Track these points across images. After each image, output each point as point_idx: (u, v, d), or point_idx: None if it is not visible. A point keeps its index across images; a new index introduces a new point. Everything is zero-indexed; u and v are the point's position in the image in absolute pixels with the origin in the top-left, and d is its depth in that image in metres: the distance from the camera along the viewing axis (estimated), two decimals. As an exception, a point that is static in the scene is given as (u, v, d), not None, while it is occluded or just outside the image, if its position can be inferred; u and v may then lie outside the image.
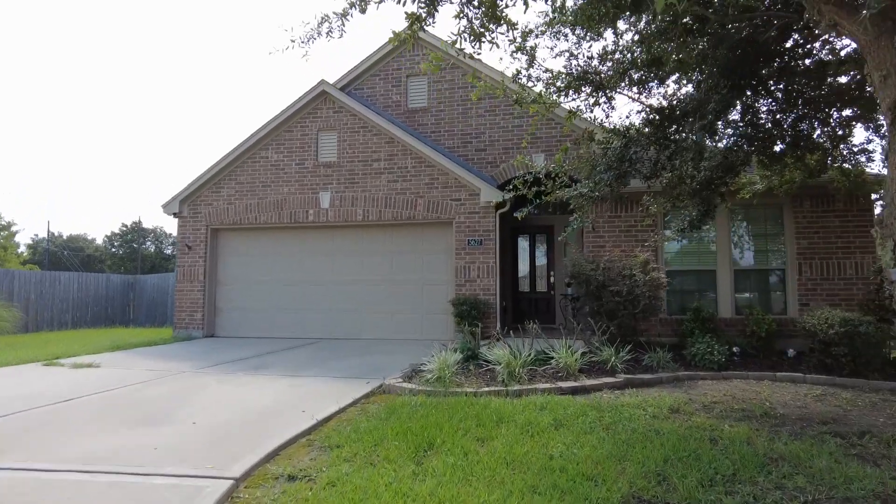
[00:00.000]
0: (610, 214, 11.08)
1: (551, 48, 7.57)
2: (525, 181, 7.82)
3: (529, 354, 7.53)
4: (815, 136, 8.09)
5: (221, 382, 7.24)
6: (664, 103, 6.47)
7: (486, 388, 6.41)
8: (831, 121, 8.00)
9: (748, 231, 10.89)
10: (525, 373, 6.94)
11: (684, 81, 6.80)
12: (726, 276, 10.59)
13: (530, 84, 6.84)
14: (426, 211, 11.74)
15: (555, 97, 6.76)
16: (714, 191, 7.65)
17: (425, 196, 11.78)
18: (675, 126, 5.96)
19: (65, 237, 59.76)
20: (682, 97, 6.34)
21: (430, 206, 11.72)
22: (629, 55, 6.27)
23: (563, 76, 6.58)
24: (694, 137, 5.33)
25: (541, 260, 13.73)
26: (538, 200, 7.34)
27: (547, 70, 6.72)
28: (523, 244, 13.92)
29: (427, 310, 11.86)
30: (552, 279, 13.47)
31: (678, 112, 5.84)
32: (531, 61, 6.67)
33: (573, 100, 6.82)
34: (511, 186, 8.17)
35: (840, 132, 8.14)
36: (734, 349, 8.92)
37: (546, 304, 13.56)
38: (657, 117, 6.18)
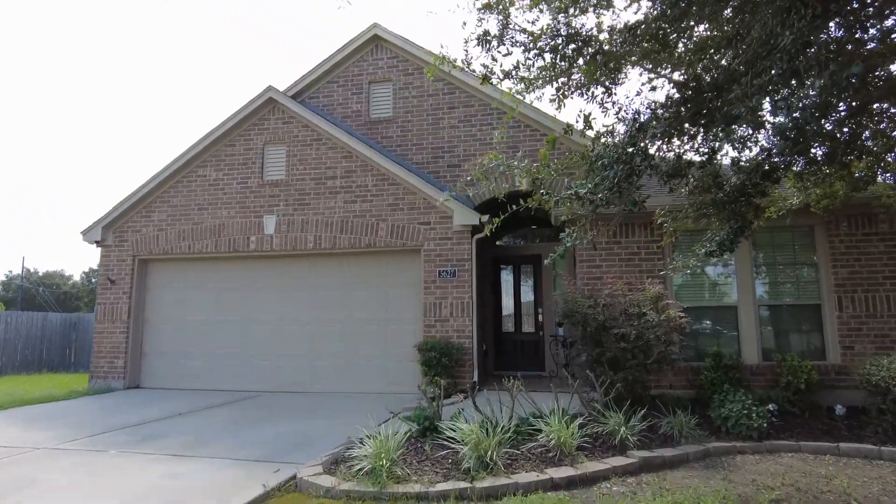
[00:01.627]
0: (608, 240, 9.24)
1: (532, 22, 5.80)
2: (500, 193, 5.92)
3: (509, 425, 5.54)
4: (863, 136, 6.37)
5: (75, 468, 5.15)
6: (695, 73, 4.66)
7: (443, 485, 4.36)
8: (885, 118, 6.29)
9: (773, 259, 9.06)
10: (502, 455, 4.91)
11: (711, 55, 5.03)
12: (750, 314, 8.71)
13: (502, 51, 5.05)
14: (389, 237, 9.84)
15: (535, 71, 4.96)
16: (747, 202, 5.84)
17: (388, 219, 9.90)
18: (711, 98, 4.18)
19: (40, 273, 57.18)
20: (722, 64, 4.55)
21: (395, 232, 9.83)
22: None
23: (547, 35, 4.78)
24: (742, 110, 3.58)
25: (527, 295, 11.84)
26: (516, 207, 5.51)
27: (525, 31, 4.93)
28: (507, 277, 12.04)
29: (391, 355, 9.84)
30: (541, 318, 11.54)
31: (719, 80, 4.07)
32: (505, 24, 4.90)
33: (561, 75, 5.02)
34: (482, 201, 6.28)
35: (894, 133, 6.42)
36: (770, 407, 6.99)
37: (534, 348, 11.59)
38: (688, 92, 4.37)
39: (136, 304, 11.00)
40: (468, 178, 9.88)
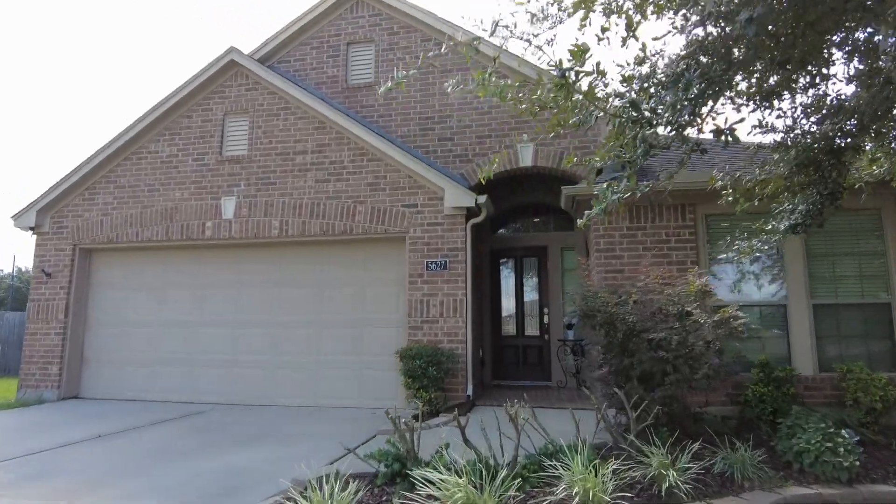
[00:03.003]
0: (630, 226, 7.68)
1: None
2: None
3: (512, 471, 3.98)
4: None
5: None
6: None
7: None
8: None
9: (831, 248, 7.50)
10: (503, 520, 3.33)
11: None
12: (803, 314, 7.16)
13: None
14: (368, 222, 8.27)
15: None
16: (837, 163, 4.29)
17: (367, 201, 8.33)
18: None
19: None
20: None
21: (375, 216, 8.26)
22: None
23: None
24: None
25: (531, 294, 10.29)
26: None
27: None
28: (507, 272, 10.48)
29: (368, 363, 8.25)
30: (547, 319, 9.98)
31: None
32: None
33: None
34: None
35: None
36: (843, 433, 5.43)
37: (538, 354, 10.01)
38: None
39: (77, 300, 9.41)
40: (472, 164, 8.30)
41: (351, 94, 9.35)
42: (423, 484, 3.64)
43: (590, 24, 4.00)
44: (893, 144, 4.64)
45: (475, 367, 7.87)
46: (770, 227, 4.81)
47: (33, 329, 9.38)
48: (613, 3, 3.57)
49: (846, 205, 6.31)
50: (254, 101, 9.16)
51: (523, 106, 3.72)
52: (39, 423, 7.35)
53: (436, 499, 3.47)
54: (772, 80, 3.53)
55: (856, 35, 3.64)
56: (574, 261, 9.95)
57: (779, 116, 4.01)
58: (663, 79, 2.99)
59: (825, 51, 3.43)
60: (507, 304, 10.39)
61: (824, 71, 3.54)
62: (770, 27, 2.82)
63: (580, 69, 3.15)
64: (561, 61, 3.23)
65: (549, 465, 4.13)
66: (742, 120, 3.20)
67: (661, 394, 5.05)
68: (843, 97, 3.96)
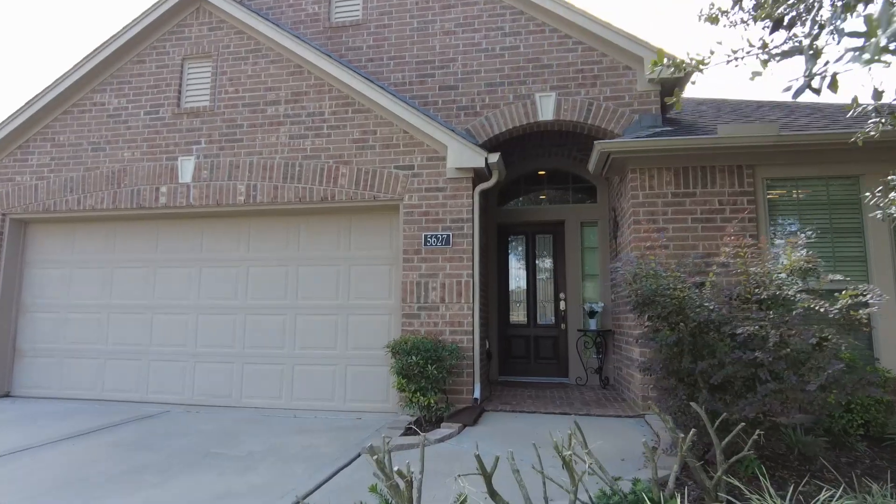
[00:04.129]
0: (675, 192, 6.27)
1: None
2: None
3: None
4: None
5: None
6: None
7: None
8: None
9: (922, 221, 6.12)
10: None
11: None
12: (891, 295, 5.80)
13: None
14: (354, 186, 6.80)
15: None
16: None
17: (353, 162, 6.86)
18: None
19: None
20: None
21: (362, 179, 6.80)
22: None
23: None
24: None
25: (545, 277, 8.88)
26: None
27: None
28: (516, 251, 9.05)
29: (353, 358, 6.83)
30: (563, 306, 8.58)
31: None
32: None
33: None
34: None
35: None
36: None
37: (553, 347, 8.62)
38: None
39: (7, 281, 7.90)
40: (481, 118, 6.83)
41: (334, 33, 7.81)
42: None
43: None
44: None
45: (483, 361, 6.48)
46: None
47: (-44, 314, 7.88)
48: None
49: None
50: (218, 42, 7.61)
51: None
52: (-58, 431, 5.91)
53: None
54: None
55: None
56: (596, 238, 8.54)
57: None
58: None
59: None
60: (517, 289, 8.98)
61: None
62: None
63: None
64: None
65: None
66: None
67: (752, 410, 3.65)
68: None
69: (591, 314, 8.03)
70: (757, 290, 3.99)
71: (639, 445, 4.70)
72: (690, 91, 9.60)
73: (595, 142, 6.16)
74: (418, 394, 5.65)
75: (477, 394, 6.22)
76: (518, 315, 8.87)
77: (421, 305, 6.44)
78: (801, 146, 5.91)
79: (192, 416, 6.46)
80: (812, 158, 6.08)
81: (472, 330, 6.34)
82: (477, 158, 6.38)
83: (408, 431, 5.51)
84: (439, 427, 5.49)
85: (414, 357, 5.64)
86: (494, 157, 6.35)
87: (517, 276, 9.00)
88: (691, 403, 3.50)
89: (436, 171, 6.62)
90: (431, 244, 6.49)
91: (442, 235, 6.47)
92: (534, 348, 8.69)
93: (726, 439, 3.17)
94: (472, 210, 6.51)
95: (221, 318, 7.26)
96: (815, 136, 5.82)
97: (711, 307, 3.90)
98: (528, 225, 8.91)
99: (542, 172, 8.88)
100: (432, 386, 5.67)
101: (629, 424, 5.60)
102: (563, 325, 8.59)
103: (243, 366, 7.10)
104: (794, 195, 6.22)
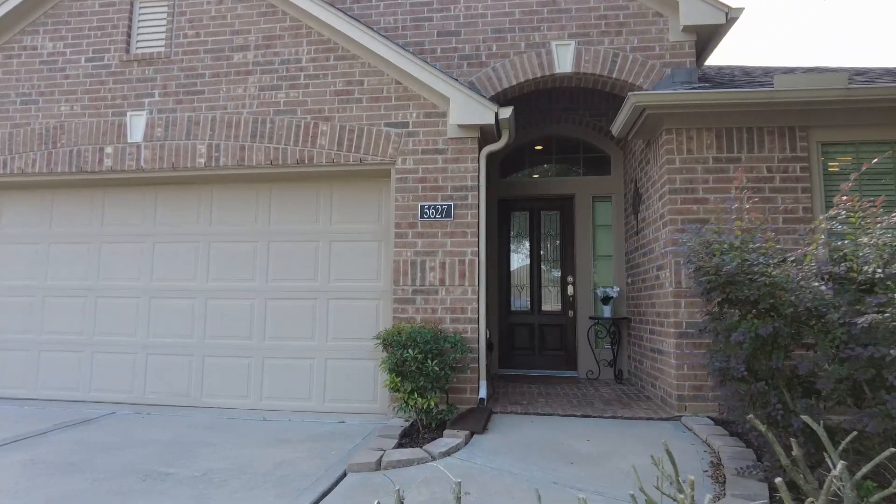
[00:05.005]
0: (716, 156, 5.34)
1: None
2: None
3: None
4: None
5: None
6: None
7: None
8: None
9: None
10: None
11: None
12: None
13: None
14: (336, 147, 5.73)
15: None
16: None
17: (335, 118, 5.77)
18: None
19: None
20: None
21: (346, 139, 5.72)
22: None
23: None
24: None
25: (551, 256, 7.92)
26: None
27: None
28: (519, 228, 8.06)
29: (335, 350, 5.81)
30: (571, 290, 7.64)
31: None
32: None
33: None
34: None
35: None
36: None
37: (560, 336, 7.70)
38: None
39: (-76, 258, 6.67)
40: (487, 69, 5.78)
41: (314, -31, 6.66)
42: None
43: None
44: None
45: (485, 353, 5.50)
46: None
47: None
48: None
49: None
50: (174, -24, 6.41)
51: None
52: None
53: None
54: None
55: None
56: (609, 215, 7.61)
57: None
58: None
59: None
60: (519, 271, 8.01)
61: None
62: None
63: None
64: None
65: None
66: None
67: (877, 423, 2.73)
68: None
69: (606, 300, 7.10)
70: (866, 268, 3.06)
71: (690, 458, 3.80)
72: (711, 57, 8.66)
73: (629, 93, 5.17)
74: (415, 395, 4.65)
75: (483, 393, 5.25)
76: (521, 301, 7.91)
77: (416, 289, 5.43)
78: (871, 102, 5.01)
79: (141, 421, 5.38)
80: (878, 118, 5.19)
81: (478, 318, 5.35)
82: (485, 114, 5.35)
83: (403, 440, 4.52)
84: (441, 435, 4.51)
85: (411, 351, 4.63)
86: (507, 112, 5.33)
87: (520, 256, 8.03)
88: (804, 417, 2.56)
89: (435, 129, 5.58)
90: (429, 216, 5.46)
91: (442, 206, 5.45)
92: (538, 338, 7.75)
93: (867, 466, 2.24)
94: (478, 176, 5.49)
95: (178, 302, 6.15)
96: (891, 88, 4.92)
97: (815, 290, 2.96)
98: (533, 199, 7.93)
99: (547, 142, 7.88)
100: (432, 385, 4.68)
101: (666, 429, 4.69)
102: (570, 313, 7.66)
103: (204, 359, 6.02)
104: (855, 162, 5.33)
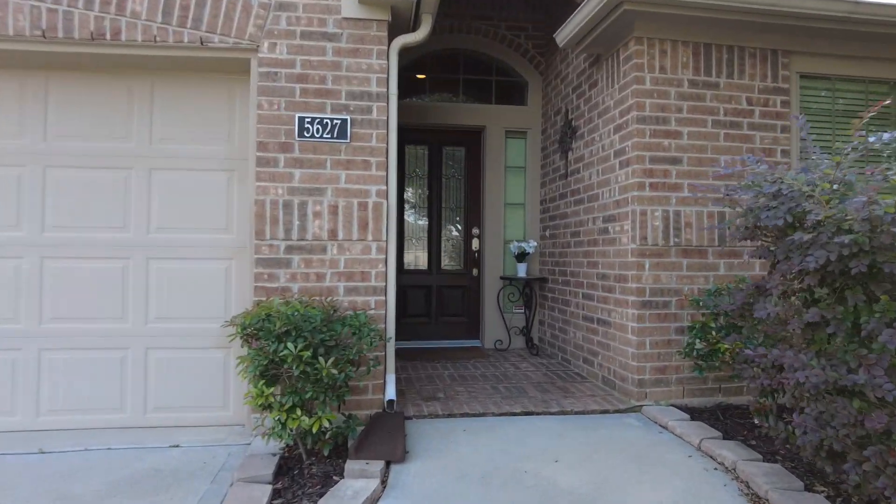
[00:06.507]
0: (692, 79, 4.19)
1: None
2: None
3: None
4: None
5: None
6: None
7: None
8: None
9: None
10: None
11: None
12: None
13: None
14: (162, 18, 3.58)
15: None
16: None
17: (158, -30, 3.60)
18: None
19: None
20: None
21: (177, 5, 3.59)
22: None
23: None
24: None
25: (453, 203, 6.45)
26: None
27: None
28: (416, 166, 6.42)
29: (161, 335, 3.83)
30: (477, 245, 6.31)
31: None
32: None
33: None
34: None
35: None
36: None
37: (462, 299, 6.37)
38: None
39: None
40: None
41: None
42: None
43: None
44: None
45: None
46: None
47: None
48: None
49: None
50: None
51: None
52: None
53: None
54: None
55: None
56: (523, 155, 6.32)
57: None
58: None
59: None
60: (415, 220, 6.46)
61: None
62: None
63: None
64: None
65: None
66: None
67: None
68: None
69: (521, 257, 5.87)
70: None
71: (701, 485, 2.68)
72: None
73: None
74: (299, 411, 2.97)
75: (392, 393, 3.72)
76: (416, 257, 6.40)
77: (293, 244, 3.64)
78: (875, 24, 4.13)
79: None
80: (862, 50, 4.39)
81: (385, 287, 3.75)
82: (400, -14, 3.59)
83: (281, 482, 2.87)
84: (341, 471, 2.93)
85: (291, 345, 2.91)
86: (433, -14, 3.62)
87: (416, 202, 6.45)
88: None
89: (323, 4, 3.70)
90: (314, 135, 3.65)
91: (333, 121, 3.66)
92: (437, 303, 6.35)
93: None
94: (388, 80, 3.77)
95: None
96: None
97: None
98: (434, 131, 6.33)
99: (453, 58, 6.28)
100: (326, 395, 3.03)
101: (638, 430, 3.58)
102: (475, 271, 6.35)
103: (-71, 354, 3.69)
104: (831, 101, 4.53)
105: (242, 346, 3.11)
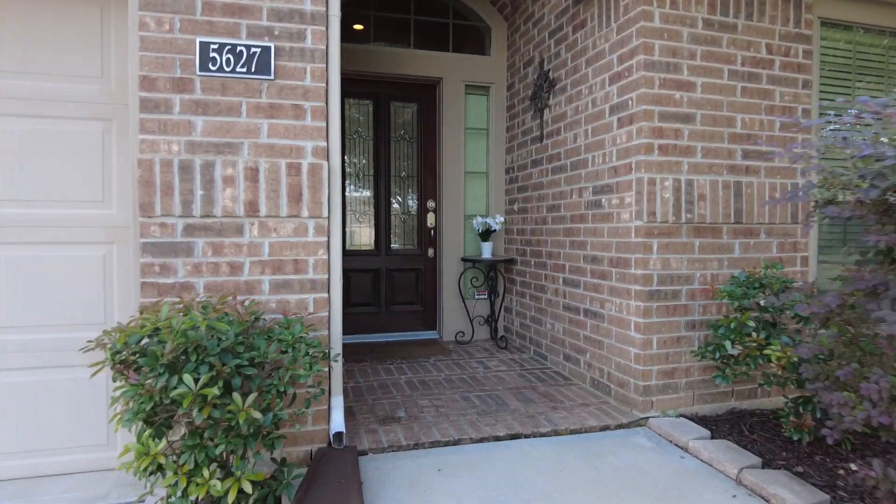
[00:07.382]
0: (707, 18, 3.40)
1: None
2: None
3: None
4: None
5: None
6: None
7: None
8: None
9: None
10: None
11: None
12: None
13: None
14: None
15: None
16: None
17: None
18: None
19: None
20: None
21: None
22: None
23: None
24: None
25: (404, 171, 5.47)
26: None
27: None
28: (359, 126, 5.37)
29: (15, 349, 2.71)
30: (433, 221, 5.40)
31: None
32: None
33: None
34: None
35: None
36: None
37: (415, 285, 5.46)
38: None
39: None
40: None
41: None
42: None
43: None
44: None
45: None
46: None
47: None
48: None
49: None
50: None
51: None
52: None
53: None
54: None
55: None
56: (485, 116, 5.42)
57: None
58: None
59: None
60: (360, 191, 5.44)
61: None
62: None
63: None
64: None
65: None
66: None
67: None
68: None
69: (486, 234, 5.01)
70: None
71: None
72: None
73: None
74: (206, 472, 2.00)
75: (339, 424, 2.79)
76: (360, 235, 5.40)
77: (195, 223, 2.59)
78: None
79: None
80: (894, -11, 3.75)
81: (328, 279, 2.78)
82: None
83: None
84: (270, 558, 2.00)
85: (186, 376, 1.91)
86: None
87: (360, 170, 5.43)
88: None
89: None
90: (222, 68, 2.59)
91: (251, 49, 2.61)
92: (386, 289, 5.40)
93: None
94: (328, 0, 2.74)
95: None
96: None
97: None
98: (380, 83, 5.29)
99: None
100: (247, 446, 2.07)
101: (647, 452, 2.84)
102: (431, 252, 5.44)
103: None
104: (852, 53, 3.89)
105: (115, 380, 2.08)
